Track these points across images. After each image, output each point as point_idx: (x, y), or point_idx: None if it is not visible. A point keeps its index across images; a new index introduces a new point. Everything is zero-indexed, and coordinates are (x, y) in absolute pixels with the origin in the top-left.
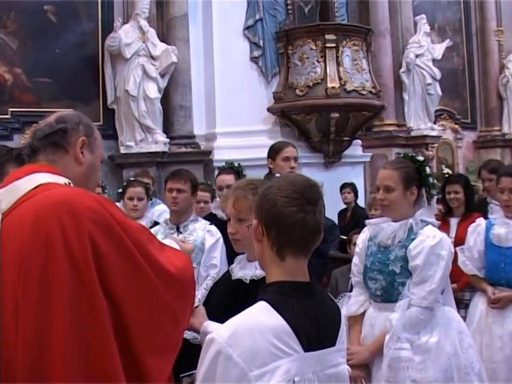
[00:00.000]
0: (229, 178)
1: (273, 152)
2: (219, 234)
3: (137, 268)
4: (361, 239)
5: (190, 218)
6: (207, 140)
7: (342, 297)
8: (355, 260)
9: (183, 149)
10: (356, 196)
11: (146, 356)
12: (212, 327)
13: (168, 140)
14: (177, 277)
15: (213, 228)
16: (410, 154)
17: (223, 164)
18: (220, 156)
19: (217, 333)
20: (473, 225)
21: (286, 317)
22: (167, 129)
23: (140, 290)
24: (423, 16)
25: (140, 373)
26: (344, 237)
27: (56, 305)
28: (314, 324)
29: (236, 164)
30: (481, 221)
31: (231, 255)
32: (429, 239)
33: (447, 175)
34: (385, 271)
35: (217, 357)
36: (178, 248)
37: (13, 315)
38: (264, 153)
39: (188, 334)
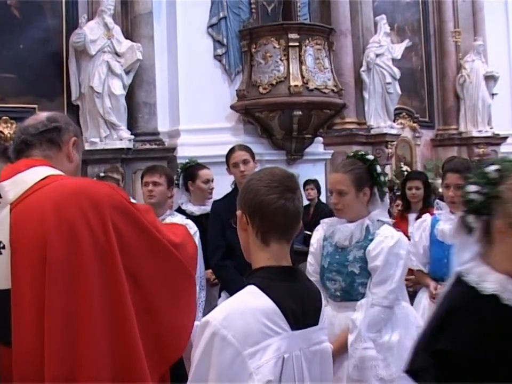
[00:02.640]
0: (211, 173)
1: (226, 159)
2: (196, 228)
3: (158, 243)
4: (316, 238)
5: (166, 213)
6: (170, 137)
7: None
8: (310, 259)
9: (148, 146)
10: (319, 192)
11: (171, 316)
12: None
13: (132, 137)
14: (184, 244)
15: (190, 222)
16: (360, 153)
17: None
18: (184, 152)
19: (212, 316)
20: (419, 220)
21: (274, 299)
22: (131, 126)
23: (159, 259)
24: (383, 16)
25: (166, 335)
26: (309, 232)
27: (83, 296)
28: (299, 304)
29: (198, 161)
30: (427, 217)
31: (204, 249)
32: (387, 240)
33: (406, 172)
34: (344, 272)
35: (212, 338)
36: None
37: (32, 301)
38: (227, 150)
39: None
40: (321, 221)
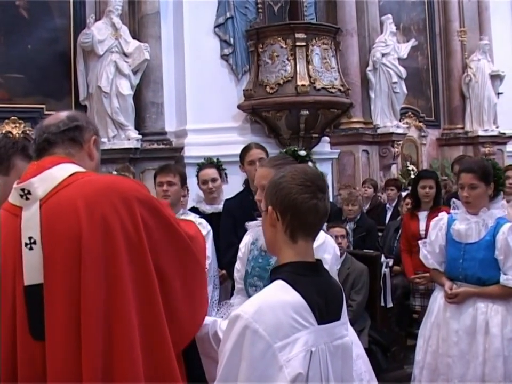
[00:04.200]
0: (212, 172)
1: (241, 157)
2: (209, 227)
3: (179, 237)
4: (244, 242)
5: (179, 212)
6: (177, 137)
7: (222, 305)
8: (237, 265)
9: (155, 146)
10: None
11: (185, 305)
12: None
13: (140, 137)
14: (196, 237)
15: (203, 221)
16: (293, 149)
17: (195, 160)
18: (191, 152)
19: (242, 310)
20: (435, 219)
21: (302, 293)
22: (139, 125)
23: (179, 252)
24: (389, 16)
25: (180, 321)
26: None
27: (119, 293)
28: (323, 299)
29: (215, 159)
30: (443, 215)
31: (218, 247)
32: None
33: (412, 171)
34: (266, 277)
35: (244, 331)
36: None
37: (65, 296)
38: (234, 150)
39: None
40: (247, 224)
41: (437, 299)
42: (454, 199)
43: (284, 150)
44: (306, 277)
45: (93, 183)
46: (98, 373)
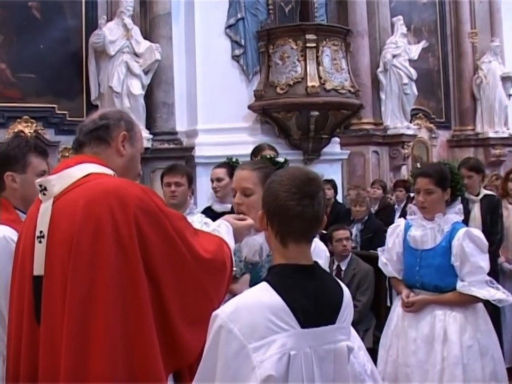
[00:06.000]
0: (219, 171)
1: (253, 156)
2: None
3: (176, 250)
4: None
5: (186, 212)
6: (188, 137)
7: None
8: None
9: (166, 145)
10: (336, 192)
11: (182, 326)
12: None
13: (151, 136)
14: (209, 260)
15: (209, 220)
16: (269, 156)
17: (206, 160)
18: (201, 152)
19: (221, 309)
20: (392, 226)
21: (284, 296)
22: (150, 125)
23: (177, 269)
24: (400, 17)
25: (175, 342)
26: (324, 231)
27: (102, 283)
28: (312, 302)
29: (232, 160)
30: (400, 222)
31: None
32: None
33: None
34: None
35: (219, 330)
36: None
37: (61, 290)
38: (244, 150)
39: None
40: None
41: (396, 308)
42: (410, 205)
43: (259, 157)
44: (293, 279)
45: (98, 186)
46: (76, 369)
